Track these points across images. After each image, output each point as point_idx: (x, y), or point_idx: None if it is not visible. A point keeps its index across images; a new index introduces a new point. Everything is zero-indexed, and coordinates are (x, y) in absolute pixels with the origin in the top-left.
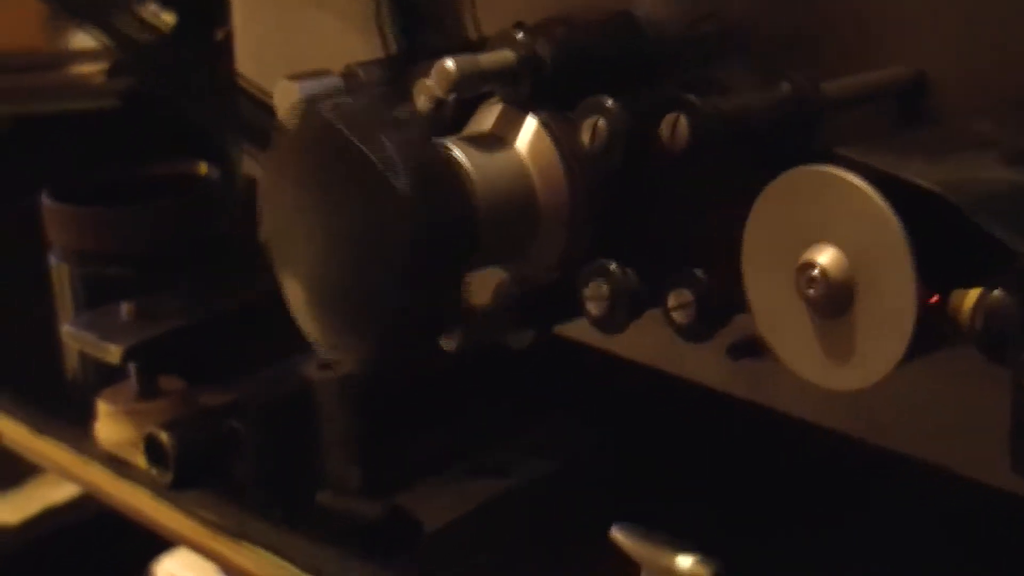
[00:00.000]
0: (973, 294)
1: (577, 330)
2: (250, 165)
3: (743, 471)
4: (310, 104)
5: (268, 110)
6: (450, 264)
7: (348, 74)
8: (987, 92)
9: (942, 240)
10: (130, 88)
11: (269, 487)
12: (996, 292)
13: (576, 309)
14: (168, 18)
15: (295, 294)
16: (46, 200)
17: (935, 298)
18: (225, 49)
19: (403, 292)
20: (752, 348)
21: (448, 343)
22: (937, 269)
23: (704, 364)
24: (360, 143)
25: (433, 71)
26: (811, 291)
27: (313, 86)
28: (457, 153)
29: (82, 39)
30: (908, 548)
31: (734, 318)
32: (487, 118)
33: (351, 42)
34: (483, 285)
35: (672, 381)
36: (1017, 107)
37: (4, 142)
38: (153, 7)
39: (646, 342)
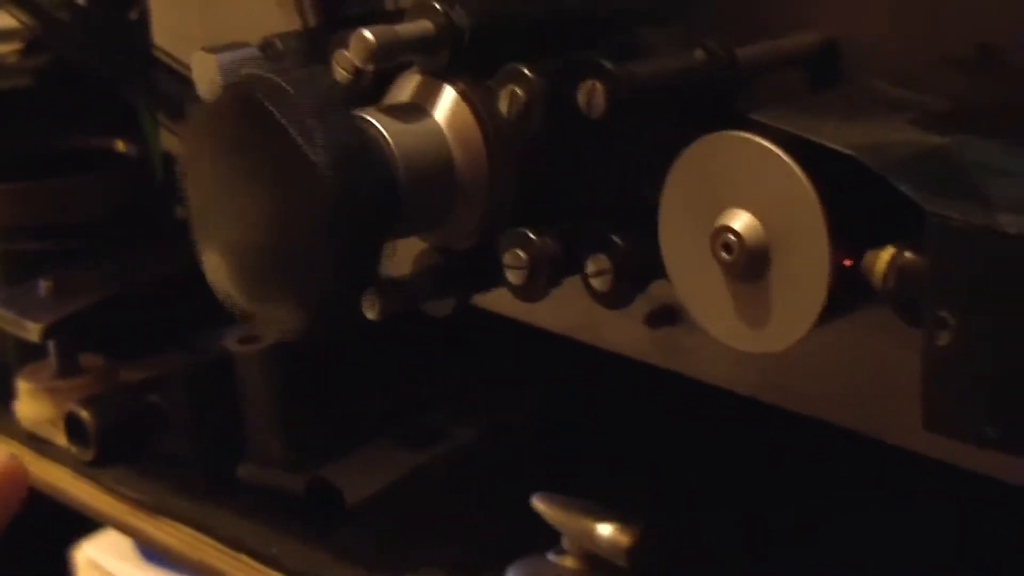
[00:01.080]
0: (885, 255)
1: (497, 301)
2: (168, 140)
3: (666, 438)
4: (228, 77)
5: (186, 83)
6: (370, 234)
7: (266, 45)
8: (898, 57)
9: (855, 203)
10: (45, 66)
11: (191, 462)
12: (908, 253)
13: (496, 277)
14: None
15: (217, 266)
16: None
17: (849, 260)
18: (142, 22)
19: (325, 263)
20: (670, 316)
21: (370, 311)
22: (851, 231)
23: (621, 333)
24: (279, 115)
25: (351, 42)
26: (727, 256)
27: (231, 58)
28: (376, 124)
29: None
30: (824, 512)
31: (652, 284)
32: (406, 88)
33: (269, 13)
34: (404, 254)
35: (591, 352)
36: (922, 70)
37: None
38: None
39: (563, 312)
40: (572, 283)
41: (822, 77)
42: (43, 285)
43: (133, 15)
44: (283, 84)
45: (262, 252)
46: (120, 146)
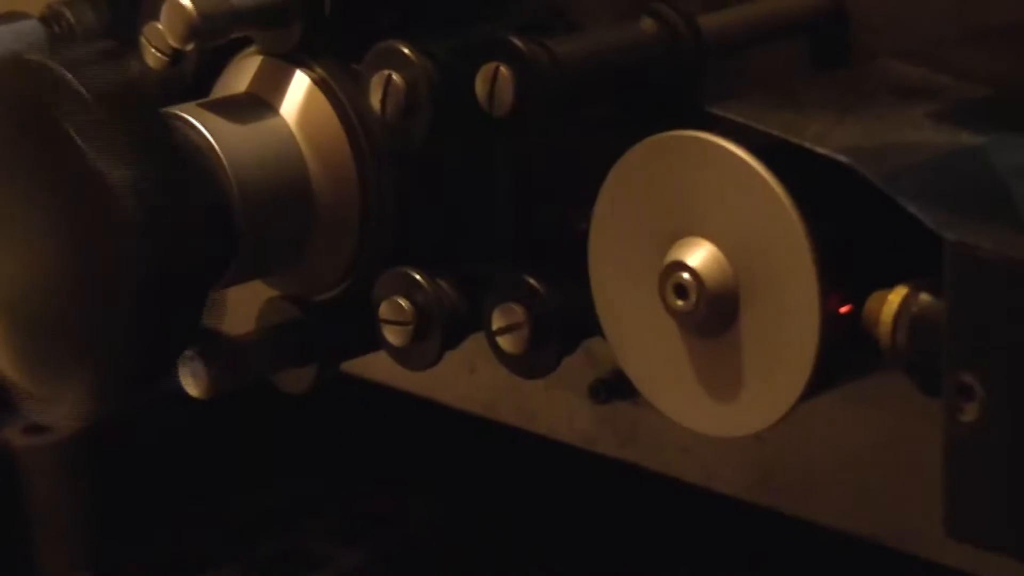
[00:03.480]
0: (895, 299)
1: (378, 367)
2: None
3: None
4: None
5: None
6: (191, 281)
7: (50, 17)
8: (919, 28)
9: (853, 229)
10: None
11: None
12: (922, 296)
13: (372, 337)
14: None
15: None
16: None
17: (846, 307)
18: None
19: (131, 319)
20: (623, 386)
21: (193, 386)
22: (847, 267)
23: (556, 411)
24: (66, 121)
25: (164, 11)
26: (681, 302)
27: (2, 35)
28: (199, 126)
29: None
30: None
31: (595, 344)
32: (242, 75)
33: None
34: (243, 307)
35: (511, 433)
36: (949, 45)
37: None
38: None
39: (471, 382)
40: (478, 342)
41: (822, 56)
42: None
43: None
44: (69, 74)
45: (44, 306)
46: None
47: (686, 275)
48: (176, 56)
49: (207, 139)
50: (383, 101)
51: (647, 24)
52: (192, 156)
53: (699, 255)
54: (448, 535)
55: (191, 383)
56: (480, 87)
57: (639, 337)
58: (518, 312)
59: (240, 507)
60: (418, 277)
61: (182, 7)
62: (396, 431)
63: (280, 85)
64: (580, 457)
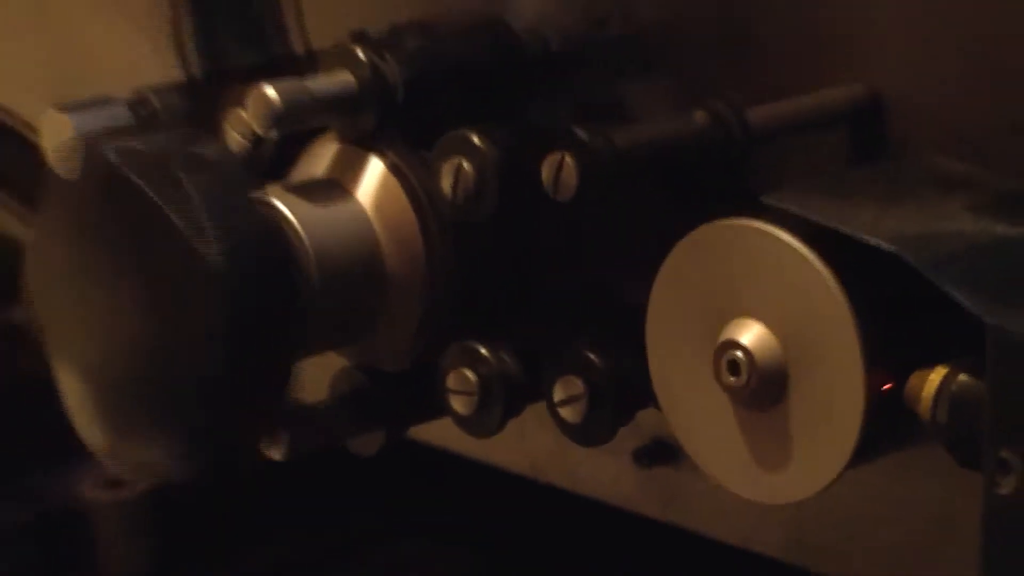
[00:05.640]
0: (935, 378)
1: (439, 433)
2: (7, 221)
3: None
4: (89, 144)
5: (33, 150)
6: (274, 352)
7: (137, 102)
8: (958, 123)
9: (897, 311)
10: None
11: None
12: (963, 376)
13: (437, 406)
14: None
15: (73, 389)
16: None
17: (889, 384)
18: None
19: (215, 389)
20: (665, 453)
21: (274, 451)
22: (891, 348)
23: (603, 474)
24: (159, 200)
25: (249, 100)
26: (734, 378)
27: (91, 119)
28: (281, 207)
29: None
30: None
31: (639, 413)
32: (320, 159)
33: (141, 58)
34: (319, 376)
35: (562, 495)
36: (987, 139)
37: None
38: None
39: (527, 447)
40: (537, 411)
41: (861, 146)
42: None
43: None
44: (160, 159)
45: (134, 373)
46: None
47: (739, 353)
48: (257, 141)
49: (289, 219)
50: (454, 187)
51: (700, 116)
52: (275, 235)
53: (751, 335)
54: None
55: (275, 448)
56: (546, 174)
57: (693, 409)
58: (578, 384)
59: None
60: (483, 350)
61: (267, 96)
62: (450, 492)
63: (356, 170)
64: (620, 516)
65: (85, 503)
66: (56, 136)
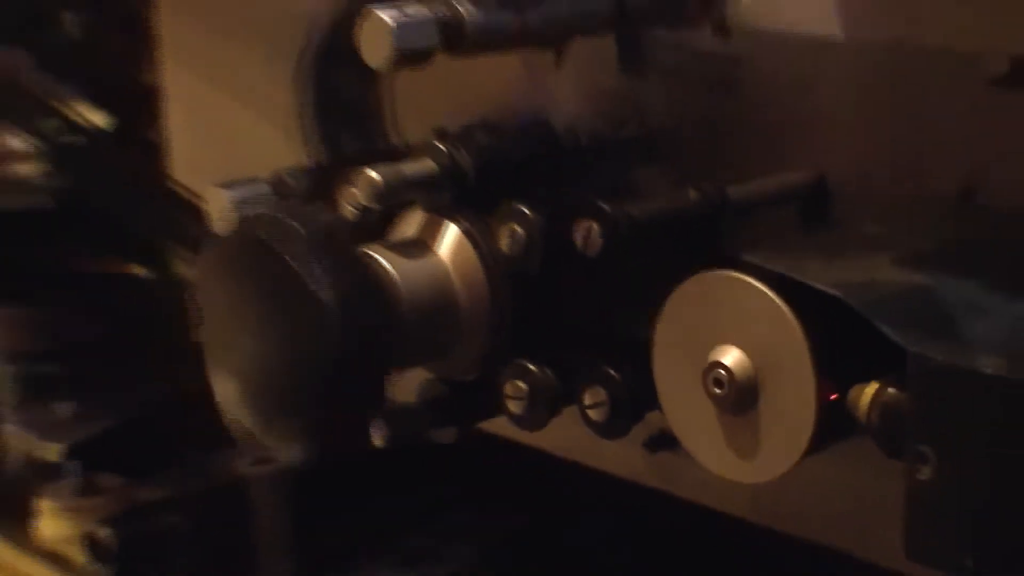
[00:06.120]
0: (870, 391)
1: (500, 425)
2: (183, 266)
3: (659, 558)
4: (240, 211)
5: (200, 213)
6: (374, 367)
7: (276, 181)
8: (883, 196)
9: (840, 340)
10: (66, 187)
11: None
12: (891, 389)
13: (497, 407)
14: (98, 119)
15: (226, 390)
16: None
17: (834, 396)
18: (157, 155)
19: (331, 395)
20: (667, 442)
21: (376, 439)
22: (836, 368)
23: (625, 457)
24: (286, 256)
25: (358, 181)
26: (718, 390)
27: (242, 193)
28: (381, 260)
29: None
30: None
31: (647, 414)
32: (410, 224)
33: (280, 148)
34: (408, 384)
35: (583, 471)
36: (906, 209)
37: None
38: (83, 108)
39: (566, 435)
40: (571, 412)
41: (811, 216)
42: (63, 406)
43: (152, 138)
44: (290, 223)
45: (271, 380)
46: (135, 269)
47: (722, 371)
48: (364, 211)
49: (387, 269)
50: (509, 245)
51: (693, 193)
52: (376, 280)
53: (731, 357)
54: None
55: (376, 437)
56: (578, 236)
57: (687, 412)
58: (602, 393)
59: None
60: (531, 367)
61: (371, 178)
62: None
63: (436, 232)
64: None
65: (238, 477)
66: (216, 205)
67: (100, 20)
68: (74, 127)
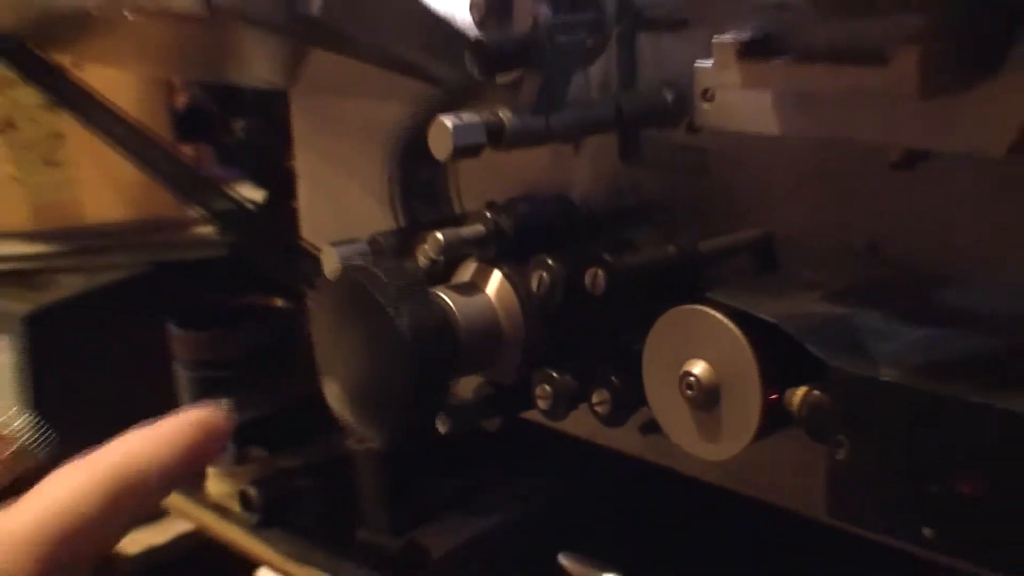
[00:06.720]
0: (801, 392)
1: (533, 416)
2: (308, 301)
3: (658, 510)
4: (345, 263)
5: (318, 263)
6: (440, 376)
7: (372, 241)
8: (813, 248)
9: (780, 355)
10: (232, 243)
11: (325, 527)
12: (816, 392)
13: (531, 403)
14: (255, 195)
15: (334, 392)
16: (171, 327)
17: (775, 396)
18: (294, 218)
19: (409, 396)
20: (655, 427)
21: (442, 427)
22: (776, 376)
23: (625, 437)
24: (376, 295)
25: (428, 240)
26: (690, 392)
27: (347, 250)
28: (445, 298)
29: None
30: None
31: (640, 409)
32: (466, 271)
33: (376, 216)
34: (465, 387)
35: (604, 450)
36: (830, 259)
37: (143, 282)
38: (244, 187)
39: (585, 423)
40: (584, 407)
41: (761, 264)
42: (224, 402)
43: (290, 205)
44: (379, 273)
45: (364, 387)
46: (278, 303)
47: (692, 378)
48: (433, 262)
49: (449, 305)
50: (538, 287)
51: (672, 249)
52: (441, 313)
53: (700, 368)
54: (561, 504)
55: (441, 426)
56: (588, 280)
57: (668, 408)
58: (606, 394)
59: (458, 482)
60: (554, 374)
61: (438, 239)
62: (537, 449)
63: (486, 277)
64: (633, 461)
65: (349, 451)
66: (328, 260)
67: (258, 124)
68: (234, 201)
